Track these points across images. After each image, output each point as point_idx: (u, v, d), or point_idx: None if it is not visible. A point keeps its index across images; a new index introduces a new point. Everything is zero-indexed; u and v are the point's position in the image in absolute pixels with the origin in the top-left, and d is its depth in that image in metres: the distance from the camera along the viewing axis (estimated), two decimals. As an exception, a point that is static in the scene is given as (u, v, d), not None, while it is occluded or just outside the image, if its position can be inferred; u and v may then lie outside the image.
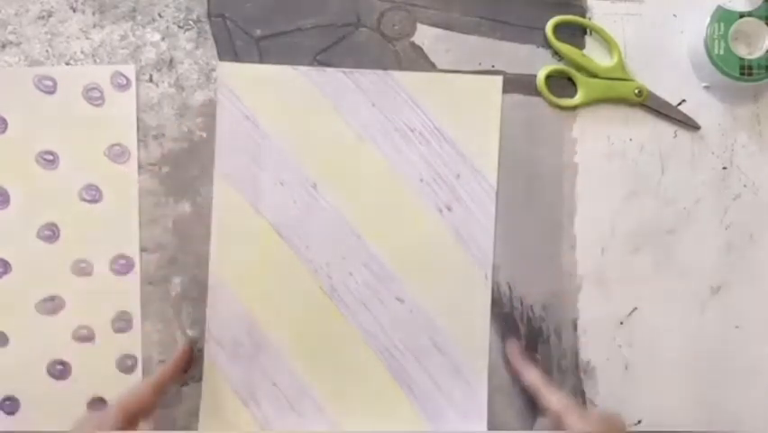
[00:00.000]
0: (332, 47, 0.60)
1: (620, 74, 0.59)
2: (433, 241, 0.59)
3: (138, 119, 0.60)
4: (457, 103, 0.59)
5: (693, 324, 0.59)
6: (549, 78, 0.59)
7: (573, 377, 0.59)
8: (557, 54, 0.60)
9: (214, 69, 0.60)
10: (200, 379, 0.59)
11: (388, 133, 0.60)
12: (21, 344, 0.59)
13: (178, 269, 0.60)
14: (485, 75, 0.60)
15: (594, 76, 0.59)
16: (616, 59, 0.59)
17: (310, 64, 0.60)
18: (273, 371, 0.59)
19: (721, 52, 0.57)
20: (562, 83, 0.60)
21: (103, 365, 0.59)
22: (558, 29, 0.59)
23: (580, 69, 0.59)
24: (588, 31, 0.60)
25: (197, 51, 0.60)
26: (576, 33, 0.60)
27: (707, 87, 0.60)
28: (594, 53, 0.59)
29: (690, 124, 0.59)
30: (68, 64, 0.60)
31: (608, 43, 0.59)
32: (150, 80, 0.60)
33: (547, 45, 0.60)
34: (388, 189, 0.59)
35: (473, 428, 0.59)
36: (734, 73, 0.57)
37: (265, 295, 0.59)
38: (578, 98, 0.59)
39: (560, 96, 0.59)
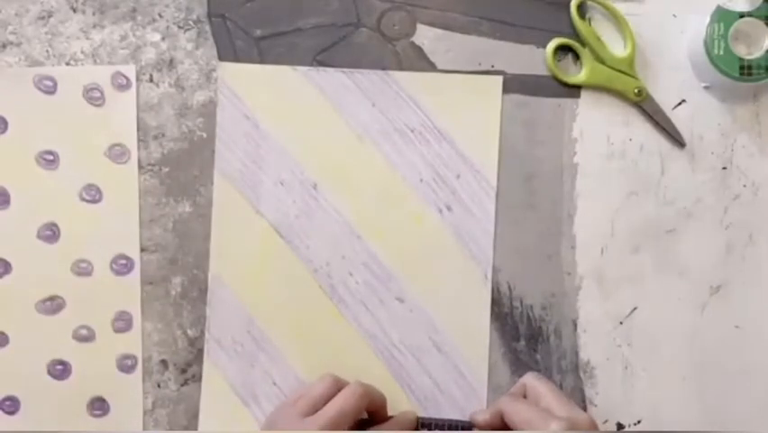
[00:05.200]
0: (332, 47, 0.60)
1: (626, 68, 0.59)
2: (433, 241, 0.59)
3: (138, 119, 0.60)
4: (457, 103, 0.60)
5: (693, 324, 0.59)
6: (556, 54, 0.59)
7: (573, 377, 0.59)
8: (573, 31, 0.60)
9: (214, 69, 0.60)
10: (200, 379, 0.59)
11: (388, 133, 0.60)
12: (21, 344, 0.59)
13: (178, 269, 0.60)
14: (485, 75, 0.60)
15: (602, 62, 0.59)
16: (628, 53, 0.59)
17: (310, 64, 0.60)
18: (273, 371, 0.59)
19: (721, 52, 0.57)
20: (567, 62, 0.60)
21: (103, 365, 0.59)
22: (580, 8, 0.59)
23: (591, 50, 0.59)
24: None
25: (197, 51, 0.60)
26: (594, 18, 0.60)
27: (707, 88, 0.60)
28: (607, 42, 0.60)
29: (677, 139, 0.59)
30: (68, 64, 0.60)
31: (623, 37, 0.59)
32: (151, 80, 0.60)
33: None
34: (388, 189, 0.60)
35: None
36: (734, 73, 0.57)
37: (265, 295, 0.59)
38: (582, 76, 0.59)
39: (565, 73, 0.59)
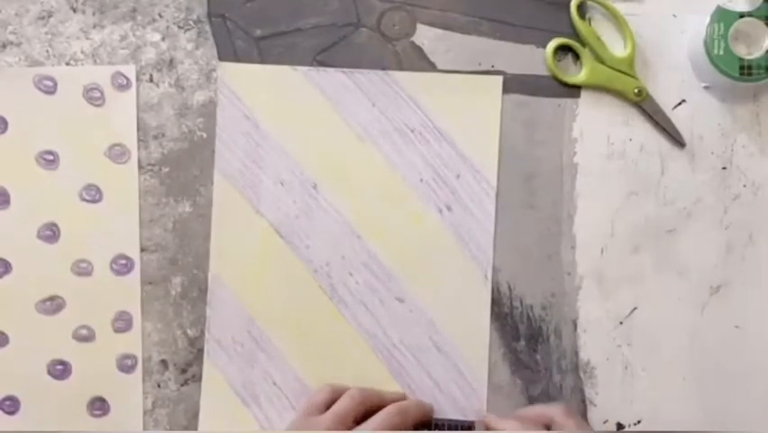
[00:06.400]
0: (332, 47, 0.60)
1: (626, 68, 0.59)
2: (433, 241, 0.59)
3: (138, 119, 0.60)
4: (457, 103, 0.60)
5: (693, 324, 0.59)
6: (556, 54, 0.59)
7: (573, 377, 0.59)
8: (573, 31, 0.60)
9: (214, 69, 0.60)
10: (200, 379, 0.59)
11: (388, 133, 0.60)
12: (21, 344, 0.59)
13: (178, 269, 0.60)
14: (485, 75, 0.60)
15: (602, 62, 0.59)
16: (628, 53, 0.59)
17: (310, 64, 0.60)
18: (273, 371, 0.59)
19: (721, 52, 0.57)
20: (567, 62, 0.60)
21: (103, 365, 0.59)
22: (580, 8, 0.59)
23: (591, 50, 0.59)
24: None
25: (197, 51, 0.60)
26: (594, 18, 0.60)
27: (707, 88, 0.60)
28: (607, 42, 0.60)
29: (677, 139, 0.59)
30: (68, 64, 0.60)
31: (623, 37, 0.59)
32: (151, 80, 0.60)
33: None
34: (388, 189, 0.60)
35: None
36: (733, 73, 0.57)
37: (265, 295, 0.59)
38: (582, 76, 0.59)
39: (565, 73, 0.59)
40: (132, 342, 0.59)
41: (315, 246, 0.59)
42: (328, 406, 0.55)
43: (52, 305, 0.59)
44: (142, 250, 0.60)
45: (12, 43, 0.60)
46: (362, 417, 0.55)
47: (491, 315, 0.59)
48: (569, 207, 0.60)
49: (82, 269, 0.59)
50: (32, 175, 0.59)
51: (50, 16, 0.60)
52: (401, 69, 0.60)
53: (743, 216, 0.60)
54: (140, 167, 0.60)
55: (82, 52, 0.60)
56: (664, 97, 0.60)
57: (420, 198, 0.59)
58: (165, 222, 0.60)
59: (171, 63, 0.60)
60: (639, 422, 0.59)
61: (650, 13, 0.60)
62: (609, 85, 0.59)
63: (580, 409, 0.59)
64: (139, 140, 0.60)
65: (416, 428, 0.57)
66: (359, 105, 0.60)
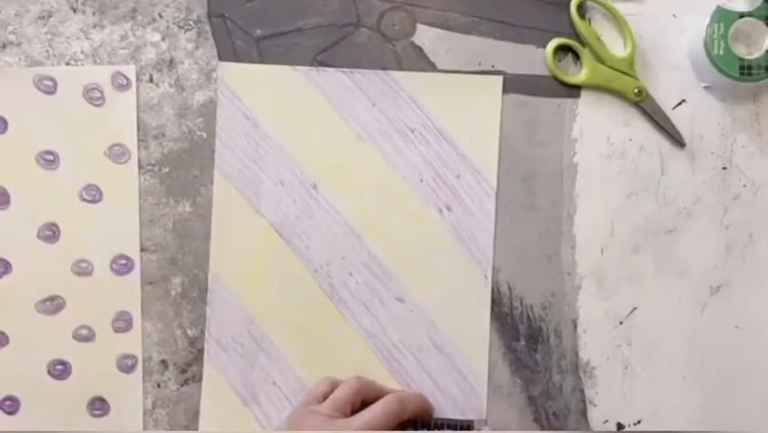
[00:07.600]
0: (332, 47, 0.60)
1: (626, 68, 0.59)
2: (433, 241, 0.59)
3: (138, 119, 0.60)
4: (457, 103, 0.60)
5: (693, 324, 0.59)
6: (556, 54, 0.59)
7: (573, 377, 0.59)
8: (573, 31, 0.60)
9: (214, 69, 0.60)
10: (200, 379, 0.59)
11: (388, 133, 0.60)
12: (21, 344, 0.59)
13: (178, 269, 0.60)
14: (485, 75, 0.60)
15: (602, 62, 0.59)
16: (628, 53, 0.59)
17: (310, 64, 0.60)
18: (273, 370, 0.59)
19: (721, 52, 0.57)
20: (567, 62, 0.60)
21: (103, 365, 0.59)
22: (580, 8, 0.59)
23: (591, 50, 0.59)
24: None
25: (197, 51, 0.60)
26: (594, 18, 0.60)
27: (707, 88, 0.60)
28: (607, 42, 0.60)
29: (677, 139, 0.59)
30: (68, 64, 0.60)
31: (623, 37, 0.59)
32: (151, 80, 0.60)
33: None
34: (388, 189, 0.60)
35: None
36: (733, 73, 0.57)
37: (265, 295, 0.59)
38: (582, 76, 0.59)
39: (565, 72, 0.59)
40: (132, 342, 0.59)
41: (315, 246, 0.59)
42: (327, 398, 0.55)
43: (52, 305, 0.59)
44: (142, 250, 0.60)
45: (12, 43, 0.60)
46: (360, 407, 0.55)
47: (491, 315, 0.59)
48: (569, 207, 0.60)
49: (82, 269, 0.59)
50: (32, 175, 0.59)
51: (50, 16, 0.60)
52: (401, 69, 0.60)
53: (743, 216, 0.60)
54: (140, 167, 0.60)
55: (82, 52, 0.60)
56: (664, 97, 0.60)
57: (420, 198, 0.59)
58: (165, 222, 0.60)
59: (171, 63, 0.60)
60: (639, 422, 0.59)
61: (650, 13, 0.60)
62: (609, 85, 0.59)
63: (580, 409, 0.59)
64: (139, 140, 0.60)
65: (415, 427, 0.57)
66: (359, 105, 0.60)
